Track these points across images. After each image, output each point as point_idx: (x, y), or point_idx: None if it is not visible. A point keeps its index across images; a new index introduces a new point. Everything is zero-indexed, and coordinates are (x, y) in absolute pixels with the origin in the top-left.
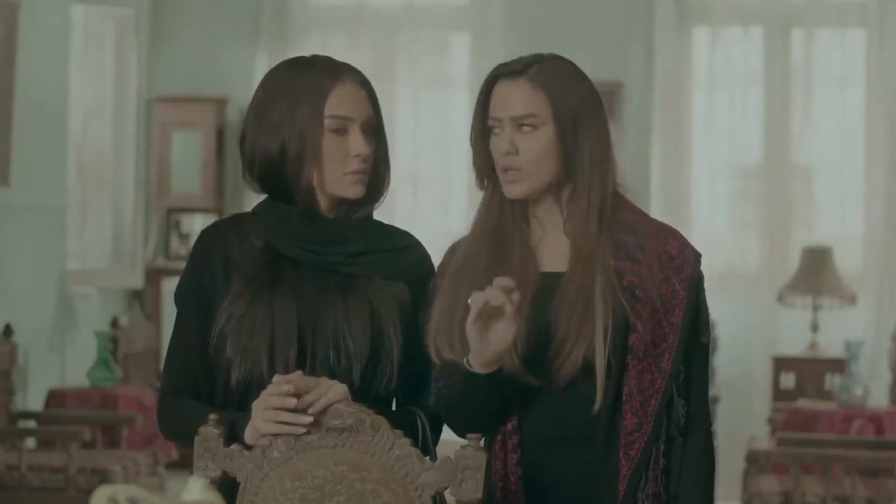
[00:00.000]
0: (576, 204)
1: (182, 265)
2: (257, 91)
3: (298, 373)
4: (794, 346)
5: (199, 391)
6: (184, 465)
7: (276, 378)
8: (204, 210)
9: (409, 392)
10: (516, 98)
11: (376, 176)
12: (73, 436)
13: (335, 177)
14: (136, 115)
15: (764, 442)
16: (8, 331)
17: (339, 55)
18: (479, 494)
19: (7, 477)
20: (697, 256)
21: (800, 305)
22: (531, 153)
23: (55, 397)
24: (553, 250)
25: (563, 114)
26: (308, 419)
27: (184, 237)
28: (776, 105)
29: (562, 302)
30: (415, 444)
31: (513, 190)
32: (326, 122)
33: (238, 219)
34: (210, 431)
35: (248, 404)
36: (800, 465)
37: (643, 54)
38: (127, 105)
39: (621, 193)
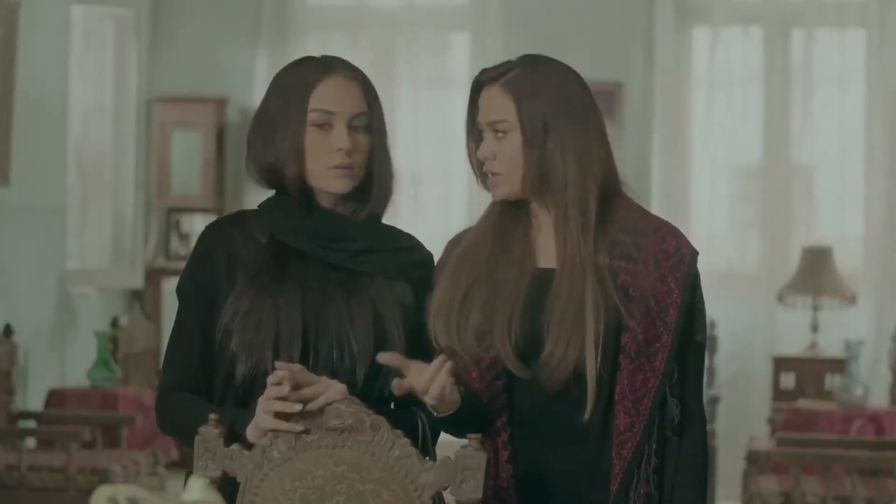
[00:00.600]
0: (555, 205)
1: (182, 265)
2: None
3: (299, 366)
4: (794, 346)
5: (198, 387)
6: (184, 465)
7: (277, 363)
8: (204, 210)
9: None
10: (489, 104)
11: (373, 172)
12: (73, 436)
13: (319, 171)
14: (136, 115)
15: (764, 442)
16: (8, 331)
17: (339, 55)
18: (479, 494)
19: (7, 477)
20: (694, 254)
21: (800, 305)
22: (504, 157)
23: (55, 397)
24: (549, 247)
25: (529, 118)
26: (297, 407)
27: (184, 237)
28: (776, 105)
29: (555, 301)
30: (415, 444)
31: (495, 192)
32: (310, 115)
33: (242, 215)
34: (210, 431)
35: (251, 400)
36: (800, 465)
37: (643, 54)
38: (127, 105)
39: (622, 192)
